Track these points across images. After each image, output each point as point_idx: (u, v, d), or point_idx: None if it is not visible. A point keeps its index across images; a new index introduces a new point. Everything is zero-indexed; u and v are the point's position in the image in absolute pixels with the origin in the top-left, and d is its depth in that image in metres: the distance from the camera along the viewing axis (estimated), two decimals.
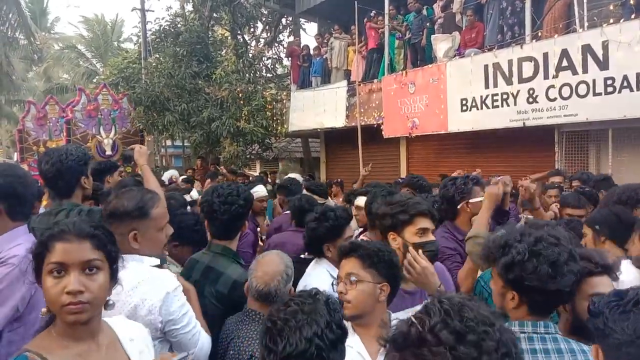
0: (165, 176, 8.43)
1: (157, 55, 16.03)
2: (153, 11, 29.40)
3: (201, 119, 12.82)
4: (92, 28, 29.42)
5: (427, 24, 10.30)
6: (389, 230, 2.39)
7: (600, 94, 7.16)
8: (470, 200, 3.22)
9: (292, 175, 8.83)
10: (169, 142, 20.30)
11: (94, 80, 24.79)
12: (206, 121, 12.79)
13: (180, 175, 9.67)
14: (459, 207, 3.24)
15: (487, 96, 8.66)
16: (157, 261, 2.15)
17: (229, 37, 15.79)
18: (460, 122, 9.17)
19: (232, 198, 2.68)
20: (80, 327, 1.45)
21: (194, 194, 5.85)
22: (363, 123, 10.76)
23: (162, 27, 15.25)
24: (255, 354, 2.04)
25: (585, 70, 7.31)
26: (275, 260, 2.29)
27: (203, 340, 2.11)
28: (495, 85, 8.52)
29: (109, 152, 13.03)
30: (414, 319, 1.07)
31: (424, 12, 10.49)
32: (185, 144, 18.00)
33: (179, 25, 15.15)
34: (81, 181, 2.74)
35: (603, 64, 7.10)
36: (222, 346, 2.24)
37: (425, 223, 2.35)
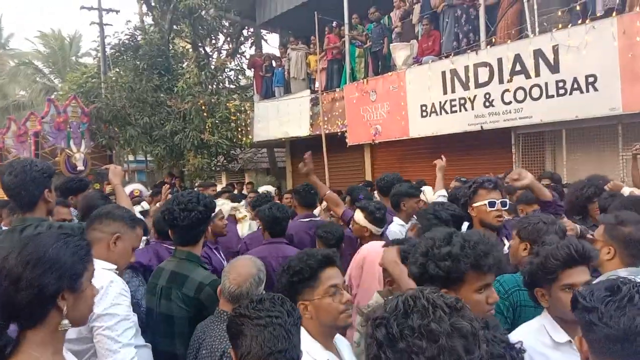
0: (126, 190, 8.19)
1: (117, 69, 15.82)
2: (112, 25, 29.07)
3: (164, 132, 12.70)
4: (49, 43, 28.76)
5: (388, 33, 10.53)
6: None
7: (552, 96, 7.45)
8: (474, 204, 3.08)
9: (264, 187, 8.83)
10: (131, 157, 19.97)
11: (53, 96, 24.19)
12: (169, 134, 12.68)
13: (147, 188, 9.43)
14: (468, 211, 3.12)
15: (445, 102, 8.89)
16: (112, 266, 2.26)
17: (190, 50, 15.72)
18: (421, 128, 9.38)
19: (192, 205, 2.73)
20: None
21: (145, 204, 5.82)
22: (327, 131, 10.87)
23: (121, 41, 15.09)
24: (228, 350, 2.07)
25: (537, 74, 7.59)
26: (248, 264, 2.36)
27: (125, 356, 2.05)
28: (453, 91, 8.76)
29: (80, 167, 12.50)
30: None
31: (384, 20, 10.71)
32: (149, 158, 17.75)
33: (138, 39, 15.02)
34: (45, 194, 2.70)
35: (554, 68, 7.40)
36: (194, 347, 2.29)
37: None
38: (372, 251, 3.28)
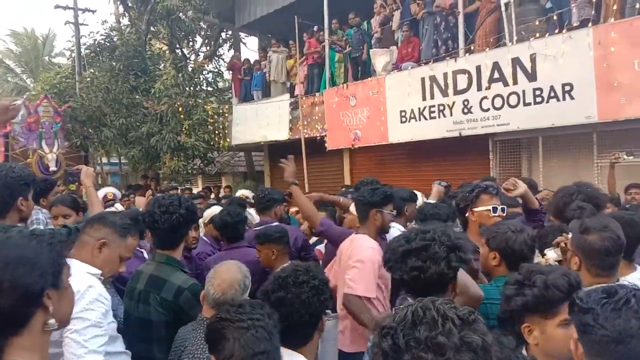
0: (99, 194, 7.96)
1: (92, 70, 15.57)
2: (87, 25, 28.63)
3: (140, 134, 12.52)
4: (21, 42, 28.09)
5: (368, 39, 10.57)
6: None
7: (529, 104, 7.57)
8: (475, 209, 3.06)
9: (242, 191, 8.72)
10: (104, 159, 19.63)
11: (25, 96, 23.64)
12: (145, 136, 12.50)
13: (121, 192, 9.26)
14: (466, 215, 3.11)
15: (424, 108, 8.96)
16: (97, 271, 2.21)
17: (167, 51, 15.56)
18: (400, 133, 9.43)
19: (173, 208, 2.67)
20: None
21: (119, 206, 5.73)
22: (307, 135, 10.85)
23: (97, 41, 14.86)
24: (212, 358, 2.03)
25: (515, 82, 7.71)
26: (233, 269, 2.30)
27: None
28: (432, 97, 8.83)
29: (53, 168, 12.21)
30: None
31: (364, 26, 10.76)
32: (123, 161, 17.47)
33: (115, 39, 14.80)
34: (18, 202, 2.56)
35: (531, 76, 7.52)
36: (176, 354, 2.24)
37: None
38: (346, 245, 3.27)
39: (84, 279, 2.07)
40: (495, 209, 3.03)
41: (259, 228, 3.99)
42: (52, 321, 1.36)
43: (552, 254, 2.73)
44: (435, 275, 1.82)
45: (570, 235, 2.39)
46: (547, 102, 7.36)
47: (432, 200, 4.59)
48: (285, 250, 3.55)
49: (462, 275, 2.07)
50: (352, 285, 2.93)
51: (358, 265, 2.97)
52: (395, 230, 3.96)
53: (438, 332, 0.97)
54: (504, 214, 3.10)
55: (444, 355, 0.95)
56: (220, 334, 1.52)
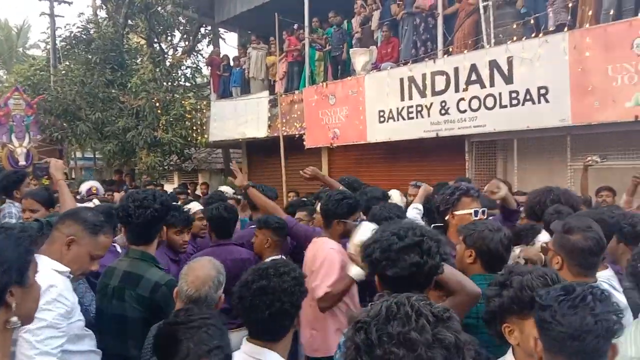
0: (83, 187, 7.85)
1: (68, 63, 15.27)
2: (63, 17, 28.03)
3: (116, 128, 12.32)
4: None
5: (348, 38, 10.59)
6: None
7: (506, 106, 7.67)
8: (456, 212, 3.04)
9: (223, 188, 8.64)
10: (78, 154, 19.27)
11: None
12: (121, 131, 12.30)
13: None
14: (446, 218, 3.09)
15: (402, 108, 9.01)
16: (65, 268, 2.15)
17: (145, 46, 15.34)
18: (378, 133, 9.47)
19: (148, 202, 2.63)
20: None
21: (96, 201, 5.64)
22: (285, 133, 10.80)
23: (73, 34, 14.58)
24: None
25: (492, 84, 7.80)
26: (207, 266, 2.27)
27: None
28: (410, 98, 8.89)
29: (22, 162, 11.83)
30: None
31: (345, 25, 10.77)
32: (97, 156, 17.16)
33: (91, 32, 14.54)
34: None
35: (508, 78, 7.62)
36: (149, 351, 2.18)
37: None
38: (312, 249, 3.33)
39: (47, 277, 2.01)
40: (477, 213, 3.02)
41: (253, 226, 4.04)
42: (14, 319, 1.32)
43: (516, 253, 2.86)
44: (432, 269, 1.85)
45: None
46: (523, 104, 7.47)
47: (417, 203, 4.59)
48: (279, 243, 3.57)
49: (456, 273, 2.08)
50: (322, 285, 2.99)
51: (323, 267, 3.07)
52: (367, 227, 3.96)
53: (411, 327, 0.97)
54: (485, 217, 3.07)
55: (416, 351, 0.95)
56: (172, 339, 1.52)
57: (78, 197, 6.63)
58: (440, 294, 2.08)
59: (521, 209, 3.57)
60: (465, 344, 0.99)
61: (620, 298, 2.22)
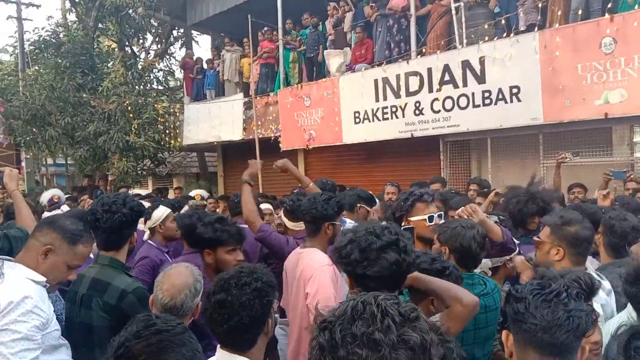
0: (45, 197, 7.67)
1: (37, 67, 14.93)
2: (31, 20, 27.45)
3: (87, 133, 12.07)
4: None
5: (323, 40, 10.58)
6: None
7: (478, 105, 7.76)
8: (410, 218, 2.91)
9: (197, 191, 8.53)
10: (50, 160, 18.85)
11: None
12: (92, 136, 12.06)
13: (65, 194, 8.93)
14: (402, 224, 2.88)
15: (377, 109, 9.04)
16: (42, 278, 2.08)
17: (116, 49, 15.09)
18: (354, 134, 9.48)
19: (116, 207, 2.56)
20: None
21: (65, 207, 5.50)
22: (261, 136, 10.73)
23: (42, 38, 14.26)
24: None
25: (465, 84, 7.88)
26: (183, 273, 2.19)
27: None
28: (385, 99, 8.92)
29: None
30: None
31: (320, 27, 10.76)
32: (69, 162, 16.80)
33: (61, 36, 14.25)
34: None
35: (480, 78, 7.71)
36: None
37: None
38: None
39: (21, 288, 1.95)
40: (431, 218, 2.88)
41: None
42: None
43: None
44: (409, 267, 1.87)
45: (547, 229, 2.53)
46: (495, 104, 7.57)
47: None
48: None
49: (449, 285, 2.04)
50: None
51: (319, 294, 2.66)
52: (348, 224, 3.90)
53: (375, 328, 0.95)
54: (442, 221, 2.92)
55: (380, 352, 0.93)
56: (158, 348, 1.41)
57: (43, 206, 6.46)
58: (434, 307, 2.07)
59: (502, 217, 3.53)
60: (432, 344, 0.97)
61: (604, 284, 2.31)
